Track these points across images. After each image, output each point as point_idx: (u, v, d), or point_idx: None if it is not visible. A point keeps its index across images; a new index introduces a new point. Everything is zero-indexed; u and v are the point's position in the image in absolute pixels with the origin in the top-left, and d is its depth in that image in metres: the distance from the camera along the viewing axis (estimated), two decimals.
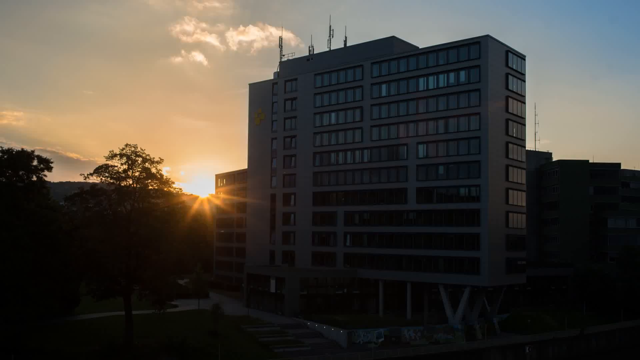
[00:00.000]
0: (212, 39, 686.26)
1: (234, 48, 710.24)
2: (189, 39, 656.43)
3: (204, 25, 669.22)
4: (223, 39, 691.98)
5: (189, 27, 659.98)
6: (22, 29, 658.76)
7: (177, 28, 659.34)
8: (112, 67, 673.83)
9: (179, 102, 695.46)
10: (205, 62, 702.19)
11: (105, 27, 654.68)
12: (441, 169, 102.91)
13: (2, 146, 76.50)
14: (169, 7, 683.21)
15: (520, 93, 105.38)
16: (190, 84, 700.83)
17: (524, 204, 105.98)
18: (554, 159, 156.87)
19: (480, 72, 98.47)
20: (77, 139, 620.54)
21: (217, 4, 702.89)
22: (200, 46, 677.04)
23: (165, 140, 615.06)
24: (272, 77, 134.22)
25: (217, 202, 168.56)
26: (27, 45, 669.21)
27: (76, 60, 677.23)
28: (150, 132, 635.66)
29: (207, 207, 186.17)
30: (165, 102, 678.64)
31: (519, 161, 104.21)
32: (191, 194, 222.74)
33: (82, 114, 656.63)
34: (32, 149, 75.93)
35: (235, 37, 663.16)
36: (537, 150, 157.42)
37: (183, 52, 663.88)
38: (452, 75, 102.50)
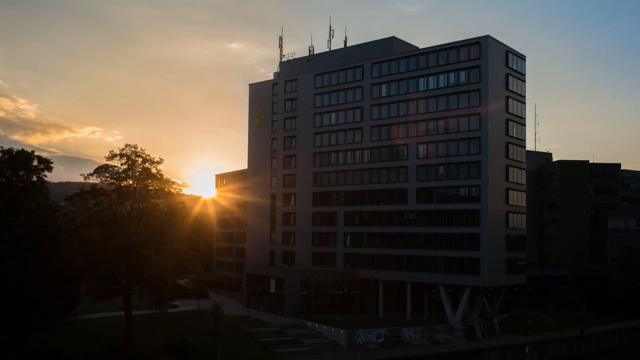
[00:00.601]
0: (268, 72, 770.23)
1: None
2: (251, 72, 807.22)
3: (265, 62, 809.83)
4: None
5: (252, 63, 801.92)
6: (131, 60, 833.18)
7: (243, 64, 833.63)
8: (185, 91, 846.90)
9: (230, 117, 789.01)
10: None
11: (191, 61, 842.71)
12: (441, 169, 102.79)
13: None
14: (243, 48, 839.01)
15: (520, 93, 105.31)
16: (244, 104, 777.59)
17: (524, 204, 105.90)
18: (554, 159, 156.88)
19: (480, 73, 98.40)
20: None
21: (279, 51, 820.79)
22: (258, 77, 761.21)
23: (205, 147, 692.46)
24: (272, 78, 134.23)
25: (219, 202, 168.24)
26: (126, 73, 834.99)
27: (158, 85, 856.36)
28: (195, 140, 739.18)
29: (210, 208, 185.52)
30: (217, 116, 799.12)
31: (519, 161, 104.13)
32: (191, 194, 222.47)
33: (152, 128, 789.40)
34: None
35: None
36: (537, 150, 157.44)
37: (244, 81, 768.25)
38: (452, 75, 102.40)
